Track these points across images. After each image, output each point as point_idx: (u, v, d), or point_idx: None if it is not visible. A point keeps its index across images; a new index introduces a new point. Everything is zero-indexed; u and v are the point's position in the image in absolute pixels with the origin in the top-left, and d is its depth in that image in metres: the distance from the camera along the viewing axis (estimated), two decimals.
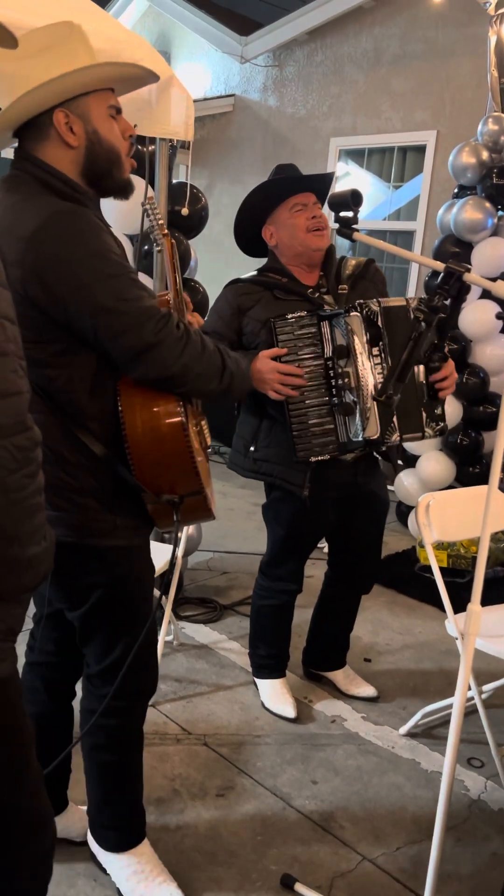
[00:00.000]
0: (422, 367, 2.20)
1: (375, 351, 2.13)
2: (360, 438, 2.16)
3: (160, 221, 1.76)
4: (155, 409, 1.51)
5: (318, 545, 2.77)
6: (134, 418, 1.50)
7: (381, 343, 2.12)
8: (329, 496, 2.44)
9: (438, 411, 2.27)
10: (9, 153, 1.59)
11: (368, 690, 2.83)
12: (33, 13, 2.25)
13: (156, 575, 2.76)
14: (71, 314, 1.43)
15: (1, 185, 1.50)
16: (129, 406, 1.51)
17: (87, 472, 1.54)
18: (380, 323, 2.11)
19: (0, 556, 1.00)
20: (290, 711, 2.66)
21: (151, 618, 1.65)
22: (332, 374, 2.19)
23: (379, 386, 2.10)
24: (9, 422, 0.97)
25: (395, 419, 2.18)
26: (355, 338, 2.13)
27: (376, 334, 2.12)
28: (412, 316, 2.15)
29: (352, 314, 2.13)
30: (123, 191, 1.59)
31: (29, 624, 1.76)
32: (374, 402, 2.12)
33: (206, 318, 2.43)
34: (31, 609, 1.69)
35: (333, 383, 2.19)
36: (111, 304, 1.41)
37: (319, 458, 2.25)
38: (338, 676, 2.89)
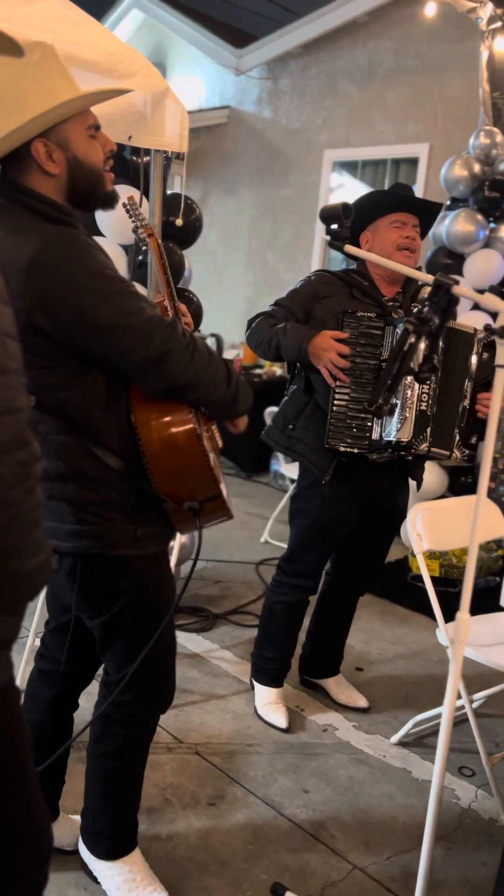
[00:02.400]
0: (468, 391, 2.30)
1: None
2: (392, 438, 2.24)
3: (143, 221, 1.77)
4: (168, 420, 1.54)
5: None
6: (150, 432, 1.53)
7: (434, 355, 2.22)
8: (353, 494, 2.50)
9: (473, 441, 2.35)
10: None
11: (360, 702, 2.84)
12: (29, 26, 2.28)
13: None
14: (77, 338, 1.45)
15: None
16: (144, 420, 1.54)
17: (108, 487, 1.56)
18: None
19: (0, 569, 1.01)
20: (282, 722, 2.67)
21: (172, 626, 1.68)
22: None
23: (425, 395, 2.23)
24: (9, 438, 0.99)
25: (428, 430, 2.27)
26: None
27: None
28: (475, 347, 2.30)
29: (407, 322, 2.21)
30: (108, 202, 1.60)
31: (40, 629, 1.75)
32: (413, 409, 2.23)
33: (285, 295, 2.53)
34: (43, 615, 1.68)
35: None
36: (116, 321, 1.43)
37: (347, 449, 2.33)
38: (330, 685, 2.90)
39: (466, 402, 2.31)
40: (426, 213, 2.44)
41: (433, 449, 2.28)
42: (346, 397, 2.32)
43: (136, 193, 3.03)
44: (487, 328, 1.32)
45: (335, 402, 2.33)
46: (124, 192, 3.14)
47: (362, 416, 2.31)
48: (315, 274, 2.53)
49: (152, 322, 1.46)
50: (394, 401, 2.24)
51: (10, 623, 1.11)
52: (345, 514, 2.54)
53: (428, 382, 2.24)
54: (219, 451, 1.83)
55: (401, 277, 2.47)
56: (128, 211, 1.78)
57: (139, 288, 3.16)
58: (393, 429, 2.24)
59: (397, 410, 2.24)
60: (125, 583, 1.64)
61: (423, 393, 2.23)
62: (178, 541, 3.18)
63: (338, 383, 2.31)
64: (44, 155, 1.46)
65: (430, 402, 2.25)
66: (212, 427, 1.79)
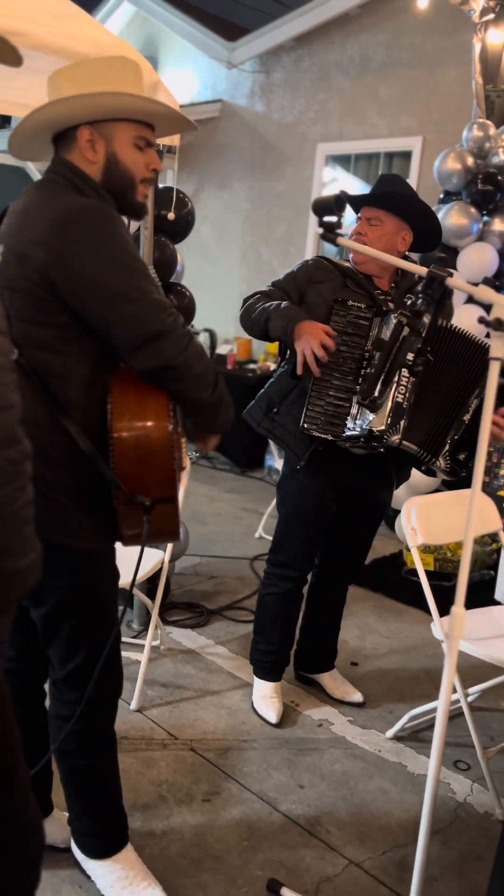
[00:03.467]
0: (472, 406, 2.28)
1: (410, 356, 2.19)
2: (365, 427, 2.24)
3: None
4: (145, 405, 1.53)
5: None
6: (122, 410, 1.51)
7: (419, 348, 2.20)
8: (331, 483, 2.51)
9: (462, 456, 2.32)
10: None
11: (356, 696, 2.84)
12: (21, 18, 2.26)
13: (143, 579, 2.77)
14: (86, 298, 1.47)
15: (34, 186, 1.59)
16: (120, 397, 1.52)
17: (63, 466, 1.55)
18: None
19: None
20: (273, 717, 2.67)
21: (117, 626, 1.65)
22: (364, 365, 2.29)
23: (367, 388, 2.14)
24: (1, 435, 0.98)
25: (402, 422, 2.24)
26: None
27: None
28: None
29: (400, 314, 2.19)
30: (136, 213, 1.67)
31: None
32: (390, 401, 2.20)
33: (282, 277, 2.54)
34: None
35: (362, 373, 2.28)
36: (127, 291, 1.47)
37: (321, 435, 2.33)
38: (325, 679, 2.90)
39: (467, 417, 2.30)
40: (389, 205, 2.36)
41: (404, 442, 2.25)
42: (326, 383, 2.32)
43: None
44: (481, 320, 1.31)
45: (315, 384, 2.32)
46: None
47: (341, 403, 2.31)
48: (314, 259, 2.53)
49: (159, 303, 1.50)
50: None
51: (1, 623, 1.10)
52: (323, 502, 2.55)
53: (406, 375, 2.22)
54: (182, 469, 1.78)
55: (390, 271, 2.45)
56: None
57: None
58: (368, 416, 2.24)
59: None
60: (62, 578, 1.62)
61: (400, 385, 2.21)
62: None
63: (320, 369, 2.29)
64: (86, 142, 1.55)
65: (406, 394, 2.23)
66: (181, 441, 1.76)
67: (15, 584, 1.04)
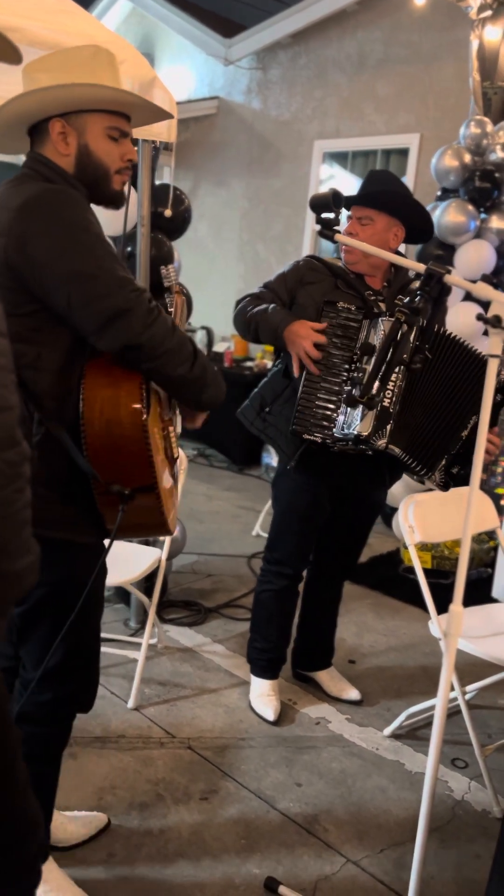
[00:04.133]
0: (471, 424, 2.27)
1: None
2: (353, 432, 2.23)
3: (174, 282, 1.92)
4: (117, 391, 1.50)
5: None
6: (94, 397, 1.49)
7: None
8: (323, 482, 2.52)
9: (455, 470, 2.32)
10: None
11: (353, 694, 2.84)
12: (16, 14, 2.24)
13: (140, 577, 2.77)
14: (47, 281, 1.45)
15: (7, 181, 1.57)
16: (92, 384, 1.50)
17: (40, 457, 1.52)
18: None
19: None
20: (271, 715, 2.67)
21: (98, 626, 1.62)
22: (352, 367, 2.28)
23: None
24: (1, 436, 0.97)
25: (388, 427, 2.22)
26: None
27: None
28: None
29: (388, 318, 2.23)
30: (113, 202, 1.65)
31: None
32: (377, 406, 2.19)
33: (273, 278, 2.54)
34: None
35: (349, 376, 2.29)
36: (87, 269, 1.44)
37: (310, 437, 2.32)
38: (323, 677, 2.90)
39: (465, 433, 2.29)
40: (379, 203, 2.35)
41: (390, 446, 2.24)
42: (315, 386, 2.31)
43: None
44: (479, 317, 1.31)
45: (304, 386, 2.32)
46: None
47: (329, 406, 2.30)
48: (304, 259, 2.52)
49: (122, 280, 1.47)
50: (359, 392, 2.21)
51: None
52: (316, 501, 2.56)
53: (393, 379, 2.20)
54: (174, 461, 1.76)
55: (382, 270, 2.44)
56: (161, 275, 1.92)
57: None
58: (355, 422, 2.23)
59: (359, 406, 2.20)
60: (45, 573, 1.57)
61: (387, 389, 2.20)
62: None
63: (307, 372, 2.30)
64: (58, 134, 1.54)
65: (392, 399, 2.22)
66: (169, 429, 1.73)
67: (12, 586, 1.04)
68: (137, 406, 1.49)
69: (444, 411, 2.28)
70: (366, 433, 2.21)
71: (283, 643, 2.76)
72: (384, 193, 2.35)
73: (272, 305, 2.41)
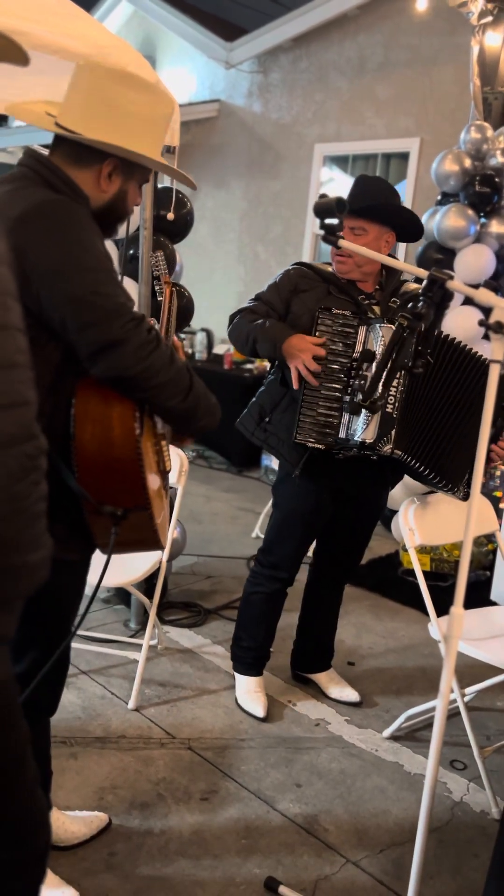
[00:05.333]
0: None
1: None
2: (357, 439, 2.26)
3: (164, 272, 1.90)
4: (109, 412, 1.45)
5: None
6: (86, 417, 1.45)
7: None
8: (327, 486, 2.53)
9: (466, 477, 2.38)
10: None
11: (352, 695, 2.85)
12: (19, 17, 2.26)
13: (141, 578, 2.78)
14: (42, 299, 1.40)
15: (3, 179, 1.52)
16: (84, 404, 1.45)
17: None
18: None
19: (0, 564, 1.00)
20: (260, 711, 2.68)
21: (69, 639, 1.59)
22: (352, 374, 2.30)
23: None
24: (18, 431, 0.99)
25: (393, 432, 2.26)
26: (383, 347, 2.22)
27: None
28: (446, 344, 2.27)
29: (386, 325, 2.25)
30: (109, 235, 1.64)
31: None
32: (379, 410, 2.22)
33: (265, 288, 2.54)
34: None
35: (350, 383, 2.30)
36: (84, 294, 1.38)
37: (314, 445, 2.35)
38: (322, 679, 2.92)
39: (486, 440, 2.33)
40: (372, 215, 2.35)
41: (396, 451, 2.28)
42: (316, 394, 2.33)
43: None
44: (482, 323, 1.32)
45: (306, 396, 2.33)
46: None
47: (332, 413, 2.32)
48: (294, 267, 2.53)
49: (119, 308, 1.42)
50: (361, 399, 2.23)
51: (6, 619, 1.10)
52: (319, 505, 2.57)
53: (395, 385, 2.23)
54: (166, 474, 1.73)
55: (373, 275, 2.45)
56: (152, 267, 1.92)
57: (129, 283, 3.16)
58: (359, 429, 2.26)
59: (363, 413, 2.24)
60: None
61: (389, 395, 2.22)
62: (171, 536, 3.17)
63: (306, 382, 2.32)
64: (106, 173, 1.52)
65: (395, 404, 2.25)
66: (162, 443, 1.69)
67: (24, 579, 1.05)
68: (131, 427, 1.45)
69: (448, 414, 2.30)
70: (371, 440, 2.24)
71: (268, 643, 2.80)
72: (378, 206, 2.36)
73: (269, 320, 2.42)
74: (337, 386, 2.31)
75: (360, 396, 2.24)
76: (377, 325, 2.26)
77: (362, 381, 2.25)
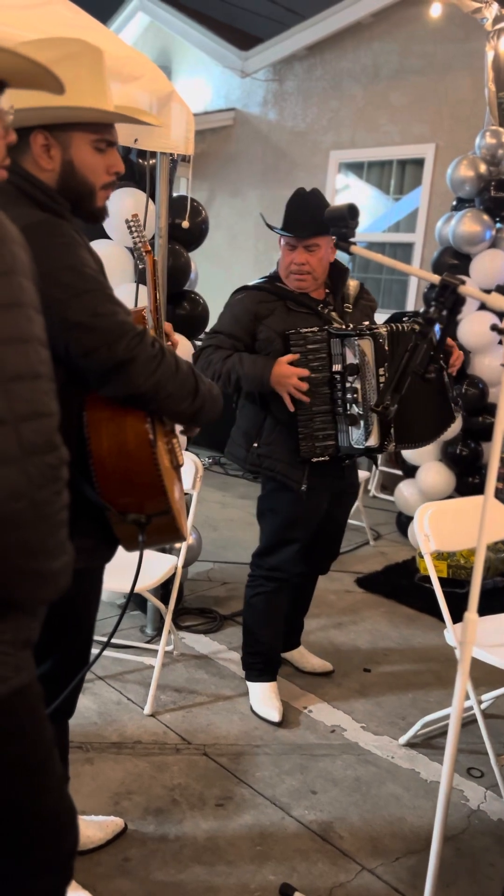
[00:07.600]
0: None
1: (381, 371, 2.37)
2: (363, 446, 2.42)
3: (143, 239, 1.76)
4: (122, 425, 1.46)
5: None
6: (100, 434, 1.45)
7: (386, 364, 2.37)
8: (324, 487, 2.61)
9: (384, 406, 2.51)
10: None
11: (325, 667, 3.00)
12: (34, 30, 2.29)
13: (157, 584, 2.79)
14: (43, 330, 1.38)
15: None
16: (95, 421, 1.46)
17: None
18: (386, 347, 2.37)
19: (24, 570, 1.02)
20: (275, 715, 2.69)
21: (91, 643, 1.61)
22: (337, 386, 2.42)
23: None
24: (41, 441, 1.01)
25: (392, 431, 2.43)
26: (366, 359, 2.37)
27: (382, 357, 2.37)
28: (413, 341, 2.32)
29: (364, 338, 2.37)
30: (94, 218, 1.56)
31: None
32: (376, 415, 2.36)
33: (219, 321, 2.58)
34: None
35: (340, 396, 2.42)
36: (84, 319, 1.36)
37: (319, 458, 2.47)
38: (294, 656, 3.06)
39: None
40: (324, 231, 2.38)
41: (399, 445, 2.49)
42: (308, 411, 2.44)
43: (141, 203, 3.04)
44: (494, 328, 1.32)
45: (300, 416, 2.44)
46: (130, 196, 3.15)
47: (325, 425, 2.44)
48: (244, 294, 2.56)
49: (121, 327, 1.39)
50: (357, 410, 2.39)
51: (30, 624, 1.12)
52: (318, 506, 2.65)
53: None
54: (179, 468, 1.75)
55: (321, 282, 2.54)
56: (130, 228, 1.77)
57: (142, 291, 3.18)
58: (362, 436, 2.40)
59: (361, 422, 2.39)
60: None
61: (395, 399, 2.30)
62: (186, 541, 3.18)
63: (299, 400, 2.42)
64: (40, 147, 1.42)
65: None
66: (173, 441, 1.72)
67: (48, 586, 1.06)
68: (144, 436, 1.46)
69: (423, 397, 2.43)
70: (376, 444, 2.41)
71: (276, 644, 2.82)
72: (329, 222, 2.37)
73: (243, 354, 2.46)
74: (324, 397, 2.43)
75: (355, 409, 2.39)
76: (354, 340, 2.36)
77: (354, 394, 2.38)
